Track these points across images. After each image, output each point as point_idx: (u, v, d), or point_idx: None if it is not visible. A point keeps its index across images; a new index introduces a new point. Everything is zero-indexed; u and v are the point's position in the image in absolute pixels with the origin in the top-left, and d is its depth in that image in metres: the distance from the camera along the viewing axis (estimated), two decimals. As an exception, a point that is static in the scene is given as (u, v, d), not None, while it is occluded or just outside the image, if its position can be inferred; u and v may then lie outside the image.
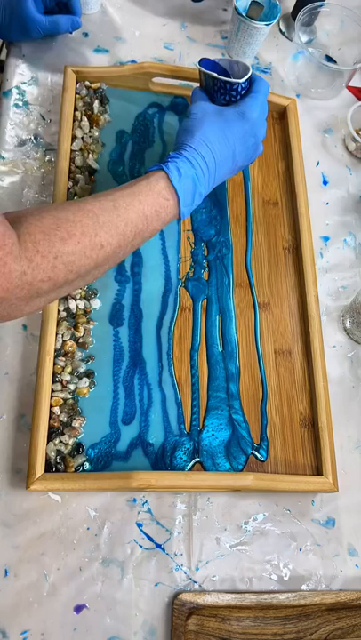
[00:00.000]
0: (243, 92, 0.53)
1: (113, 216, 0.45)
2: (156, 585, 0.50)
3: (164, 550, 0.51)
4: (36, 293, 0.41)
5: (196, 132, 0.50)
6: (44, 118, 0.66)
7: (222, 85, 0.52)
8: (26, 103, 0.66)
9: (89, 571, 0.49)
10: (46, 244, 0.40)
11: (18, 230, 0.40)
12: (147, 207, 0.47)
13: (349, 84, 0.78)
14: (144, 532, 0.52)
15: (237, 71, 0.54)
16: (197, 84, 0.57)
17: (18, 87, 0.67)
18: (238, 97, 0.53)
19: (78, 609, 0.48)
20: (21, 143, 0.64)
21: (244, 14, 0.69)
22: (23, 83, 0.67)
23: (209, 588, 0.51)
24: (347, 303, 0.65)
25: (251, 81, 0.53)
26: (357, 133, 0.72)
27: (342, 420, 0.59)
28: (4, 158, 0.63)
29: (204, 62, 0.53)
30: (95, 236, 0.43)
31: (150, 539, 0.51)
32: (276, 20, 0.70)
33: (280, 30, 0.81)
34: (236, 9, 0.69)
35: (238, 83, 0.51)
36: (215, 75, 0.51)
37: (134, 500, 0.52)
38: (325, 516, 0.55)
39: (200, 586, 0.51)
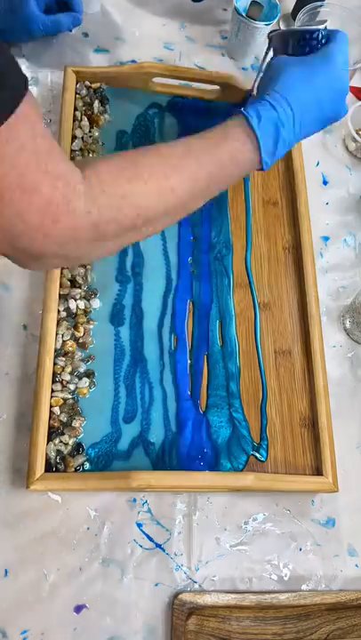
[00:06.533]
0: (323, 40, 0.50)
1: (185, 159, 0.43)
2: (156, 585, 0.50)
3: (164, 550, 0.51)
4: (103, 236, 0.40)
5: (278, 79, 0.47)
6: (44, 118, 0.66)
7: (302, 37, 0.50)
8: (26, 103, 0.66)
9: (89, 571, 0.49)
10: (113, 183, 0.39)
11: (85, 170, 0.39)
12: (223, 152, 0.44)
13: (350, 84, 0.78)
14: (144, 532, 0.52)
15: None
16: (194, 84, 0.56)
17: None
18: (320, 46, 0.51)
19: (78, 609, 0.48)
20: (21, 143, 0.64)
21: (244, 14, 0.69)
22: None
23: (209, 588, 0.51)
24: (347, 303, 0.65)
25: (328, 36, 0.51)
26: (357, 133, 0.72)
27: (342, 420, 0.59)
28: (4, 158, 0.62)
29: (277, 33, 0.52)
30: (165, 179, 0.41)
31: (150, 539, 0.51)
32: (276, 20, 0.70)
33: (280, 30, 0.81)
34: (236, 9, 0.69)
35: (319, 29, 0.49)
36: (295, 28, 0.50)
37: (134, 500, 0.52)
38: (325, 516, 0.55)
39: (200, 586, 0.51)
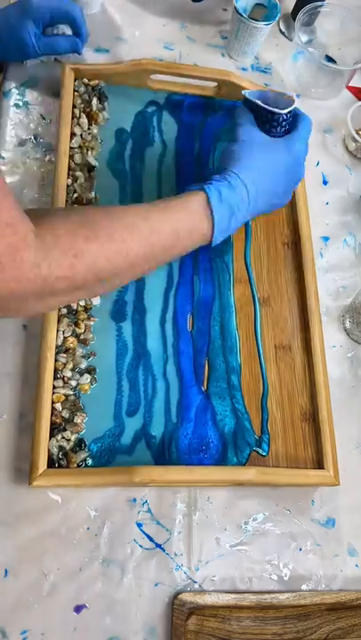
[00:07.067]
0: (285, 124, 0.53)
1: (144, 226, 0.43)
2: (156, 585, 0.50)
3: (164, 550, 0.51)
4: (51, 291, 0.39)
5: (242, 160, 0.49)
6: (44, 118, 0.66)
7: (266, 114, 0.52)
8: (26, 103, 0.66)
9: (89, 571, 0.49)
10: (68, 240, 0.39)
11: (41, 223, 0.38)
12: (180, 224, 0.45)
13: (349, 84, 0.78)
14: (144, 532, 0.51)
15: (282, 103, 0.53)
16: (192, 81, 0.56)
17: (18, 87, 0.67)
18: (280, 129, 0.53)
19: (78, 609, 0.48)
20: (21, 143, 0.64)
21: (243, 14, 0.69)
22: (23, 83, 0.67)
23: (209, 587, 0.51)
24: (347, 303, 0.65)
25: (294, 115, 0.53)
26: (357, 133, 0.72)
27: (342, 420, 0.59)
28: (3, 158, 0.62)
29: (250, 93, 0.53)
30: (122, 242, 0.42)
31: (150, 539, 0.51)
32: (276, 20, 0.70)
33: (280, 30, 0.81)
34: (236, 9, 0.69)
35: (281, 113, 0.51)
36: (260, 103, 0.51)
37: (134, 500, 0.52)
38: (325, 516, 0.55)
39: (200, 586, 0.51)
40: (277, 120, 0.52)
